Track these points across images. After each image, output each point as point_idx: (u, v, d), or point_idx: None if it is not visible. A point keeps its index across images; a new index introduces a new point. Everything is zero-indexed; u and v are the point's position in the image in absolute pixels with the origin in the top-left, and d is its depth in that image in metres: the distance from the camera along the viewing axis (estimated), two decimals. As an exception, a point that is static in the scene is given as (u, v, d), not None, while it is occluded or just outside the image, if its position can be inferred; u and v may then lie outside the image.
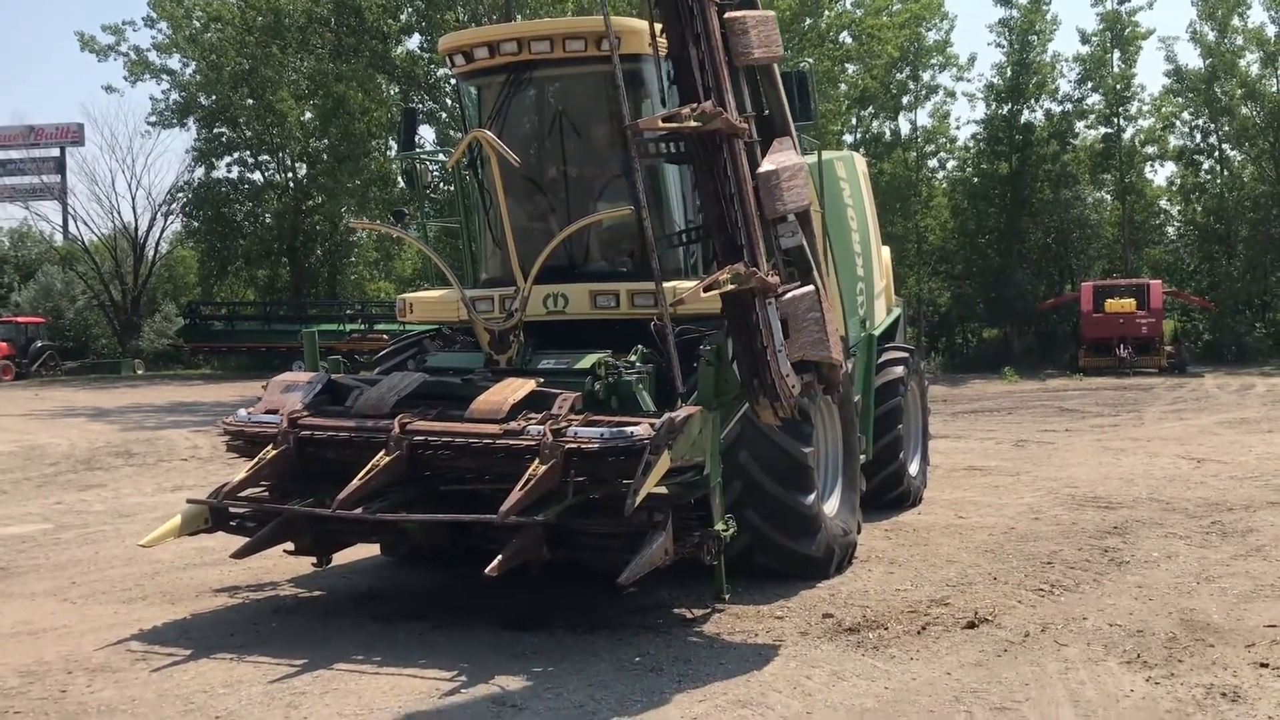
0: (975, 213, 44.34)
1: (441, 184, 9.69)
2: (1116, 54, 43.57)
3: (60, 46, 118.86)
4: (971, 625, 6.27)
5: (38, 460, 15.72)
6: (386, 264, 52.26)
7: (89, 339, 51.09)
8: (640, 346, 7.18)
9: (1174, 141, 45.46)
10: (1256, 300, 42.98)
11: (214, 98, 44.18)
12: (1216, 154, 44.96)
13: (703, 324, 7.15)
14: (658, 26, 7.70)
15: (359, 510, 6.14)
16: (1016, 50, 43.14)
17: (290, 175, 48.07)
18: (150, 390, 33.37)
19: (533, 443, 6.00)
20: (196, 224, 48.14)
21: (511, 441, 6.11)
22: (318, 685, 5.47)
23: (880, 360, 9.95)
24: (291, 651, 5.99)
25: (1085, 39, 43.97)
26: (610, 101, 8.04)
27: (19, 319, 44.63)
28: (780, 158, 5.97)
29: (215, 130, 45.89)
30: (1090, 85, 43.90)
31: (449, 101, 35.06)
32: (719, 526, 6.13)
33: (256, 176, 48.15)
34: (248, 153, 47.10)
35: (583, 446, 5.92)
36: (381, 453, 6.28)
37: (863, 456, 8.78)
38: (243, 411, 7.05)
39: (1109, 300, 34.79)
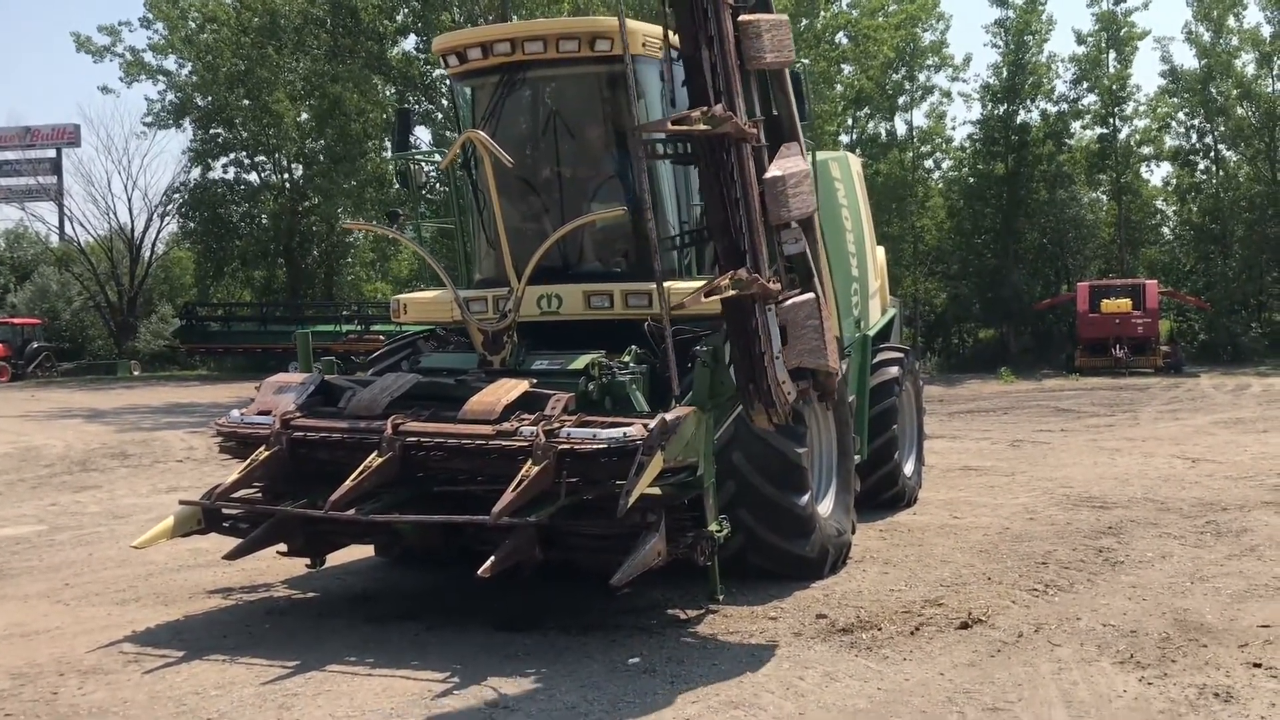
0: (971, 213, 44.39)
1: (437, 184, 9.70)
2: (1112, 54, 43.65)
3: (56, 47, 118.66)
4: (965, 625, 6.27)
5: (33, 461, 15.70)
6: (383, 265, 52.27)
7: (85, 340, 51.04)
8: (634, 347, 7.18)
9: (1170, 142, 45.63)
10: (1252, 300, 43.05)
11: (210, 99, 44.22)
12: (1212, 154, 45.05)
13: (697, 324, 7.15)
14: (652, 29, 7.75)
15: (351, 511, 6.13)
16: (1012, 51, 43.18)
17: (286, 176, 48.09)
18: (146, 391, 33.33)
19: (525, 444, 5.99)
20: (193, 225, 48.13)
21: (504, 442, 6.10)
22: (310, 687, 5.46)
23: (875, 360, 9.95)
24: (284, 653, 5.98)
25: (1081, 39, 44.06)
26: (605, 102, 8.05)
27: (15, 320, 44.57)
28: (787, 164, 5.94)
29: (211, 131, 45.89)
30: (1086, 86, 44.00)
31: (444, 102, 35.03)
32: (713, 527, 6.12)
33: (253, 177, 48.22)
34: (244, 154, 47.12)
35: (575, 447, 5.91)
36: (374, 454, 6.27)
37: (857, 457, 8.77)
38: (235, 413, 7.05)
39: (1105, 300, 34.82)
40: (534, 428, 6.05)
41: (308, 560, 7.06)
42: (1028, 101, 43.81)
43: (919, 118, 46.07)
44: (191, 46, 43.79)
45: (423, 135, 35.64)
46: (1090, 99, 44.21)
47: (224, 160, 47.17)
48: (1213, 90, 42.82)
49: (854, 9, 40.66)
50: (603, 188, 8.08)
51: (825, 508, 7.69)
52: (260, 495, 6.73)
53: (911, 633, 6.18)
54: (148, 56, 45.15)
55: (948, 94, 54.70)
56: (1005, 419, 20.19)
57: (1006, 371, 33.51)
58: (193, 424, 21.22)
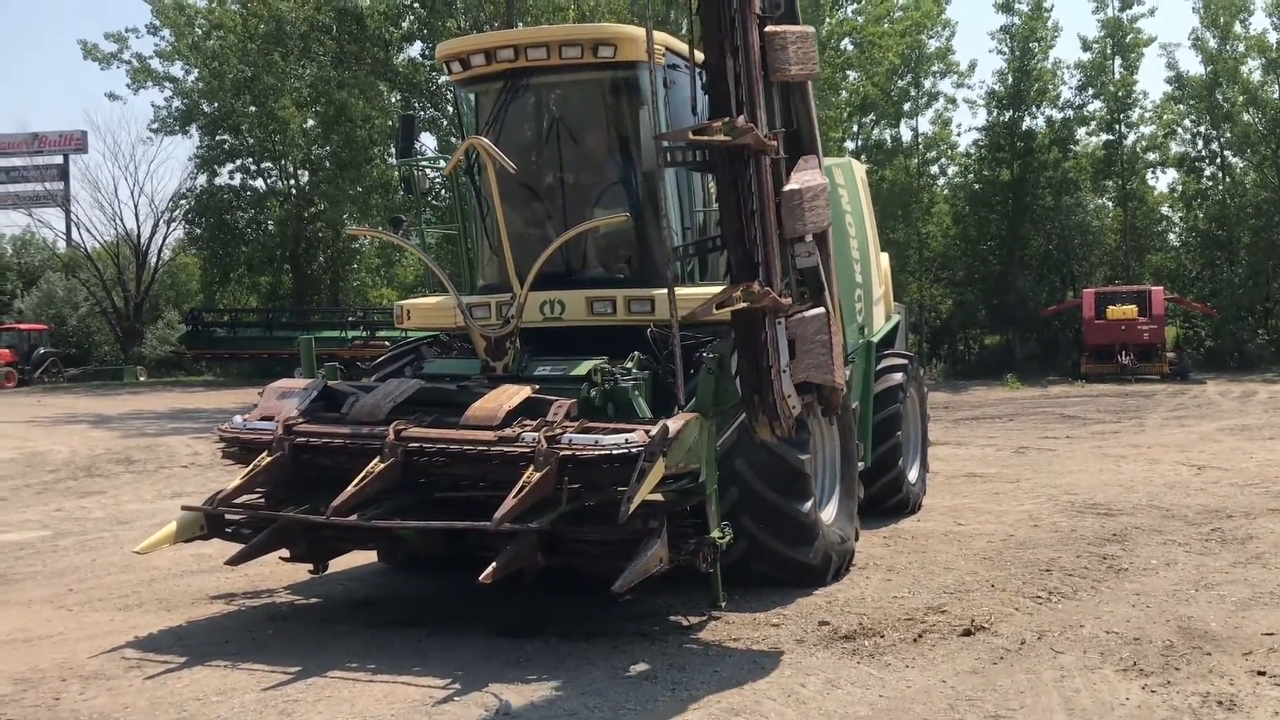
0: (977, 219, 44.35)
1: (441, 190, 9.71)
2: (1118, 60, 43.65)
3: (64, 54, 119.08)
4: (968, 633, 6.26)
5: (38, 467, 15.73)
6: (388, 271, 52.33)
7: (91, 346, 51.12)
8: (637, 353, 7.18)
9: (1175, 148, 45.49)
10: (1259, 307, 42.90)
11: (216, 105, 44.32)
12: (1218, 160, 44.97)
13: (701, 331, 7.14)
14: (655, 35, 7.75)
15: (354, 517, 6.14)
16: (1018, 57, 43.18)
17: (292, 182, 48.15)
18: (152, 397, 33.39)
19: (527, 449, 5.99)
20: (199, 231, 48.20)
21: (506, 448, 6.11)
22: (311, 693, 5.45)
23: (879, 367, 9.95)
24: (286, 659, 5.98)
25: (1087, 45, 44.07)
26: (608, 109, 8.06)
27: (22, 326, 44.65)
28: (805, 177, 5.91)
29: (218, 137, 45.98)
30: (1092, 92, 43.98)
31: (449, 108, 35.12)
32: (715, 534, 6.11)
33: (259, 183, 48.32)
34: (250, 160, 47.19)
35: (578, 453, 5.91)
36: (376, 459, 6.27)
37: (861, 463, 8.77)
38: (238, 418, 7.05)
39: (1111, 307, 34.74)
40: (536, 434, 6.05)
41: (310, 566, 7.07)
42: (1033, 108, 43.79)
43: (924, 124, 46.29)
44: (198, 53, 43.91)
45: (427, 141, 35.76)
46: (1096, 105, 44.26)
47: (230, 166, 47.33)
48: (1219, 96, 42.77)
49: (859, 15, 40.68)
50: (605, 194, 8.09)
51: (828, 514, 7.67)
52: (263, 501, 6.73)
53: (914, 640, 6.16)
54: (154, 63, 45.33)
55: (953, 100, 55.06)
56: (1010, 425, 20.14)
57: (1012, 378, 33.46)
58: (197, 429, 21.24)
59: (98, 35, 79.00)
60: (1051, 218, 42.99)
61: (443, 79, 36.34)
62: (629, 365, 7.09)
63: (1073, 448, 15.99)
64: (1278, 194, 42.02)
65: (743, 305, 5.54)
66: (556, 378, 7.11)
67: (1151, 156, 45.54)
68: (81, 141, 55.80)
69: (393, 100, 40.89)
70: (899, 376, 10.15)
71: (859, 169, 10.78)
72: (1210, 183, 45.39)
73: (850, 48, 39.80)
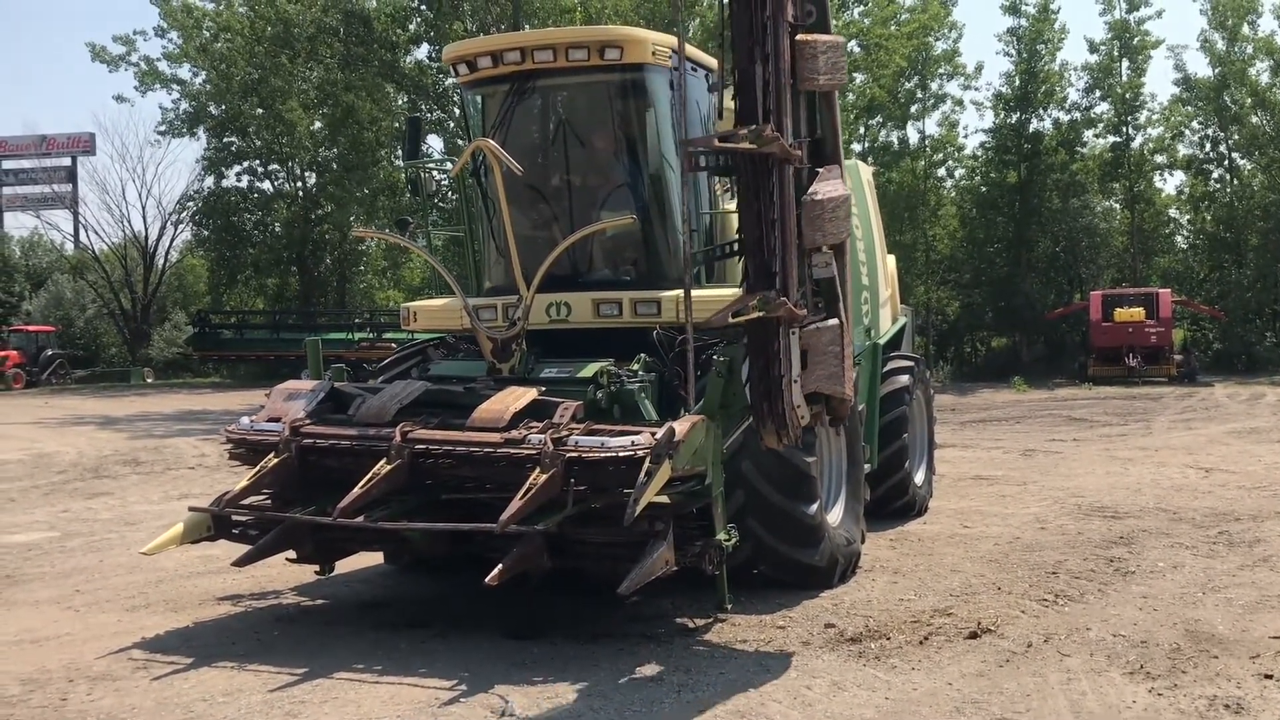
0: (984, 221, 44.31)
1: (448, 193, 9.72)
2: (1125, 63, 43.59)
3: (71, 57, 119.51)
4: (974, 635, 6.25)
5: (45, 468, 15.77)
6: (395, 272, 52.37)
7: (99, 348, 51.20)
8: (643, 355, 7.18)
9: (1183, 150, 45.39)
10: (1267, 309, 42.79)
11: (224, 107, 44.40)
12: (1226, 163, 44.87)
13: (708, 334, 7.13)
14: (662, 38, 7.77)
15: (360, 519, 6.14)
16: (1025, 59, 43.14)
17: (299, 184, 48.23)
18: (159, 398, 33.46)
19: (533, 451, 5.99)
20: (206, 233, 48.28)
21: (512, 450, 6.11)
22: (318, 694, 5.46)
23: (885, 369, 9.93)
24: (293, 660, 5.99)
25: (1094, 48, 44.08)
26: (614, 111, 8.06)
27: (30, 328, 44.75)
28: (827, 188, 5.86)
29: (225, 140, 46.06)
30: (1099, 94, 43.94)
31: (457, 111, 35.16)
32: (721, 536, 6.11)
33: (266, 186, 48.36)
34: (257, 162, 47.26)
35: (584, 455, 5.91)
36: (383, 461, 6.28)
37: (867, 466, 8.77)
38: (245, 419, 7.06)
39: (1118, 309, 34.70)
40: (542, 436, 6.06)
41: (316, 567, 7.07)
42: (1040, 110, 43.76)
43: (931, 126, 46.12)
44: (206, 55, 43.99)
45: (434, 143, 35.79)
46: (1103, 107, 44.22)
47: (237, 169, 47.37)
48: (1227, 98, 42.63)
49: (866, 18, 40.66)
50: (612, 196, 8.10)
51: (834, 517, 7.66)
52: (269, 502, 6.74)
53: (920, 642, 6.16)
54: (162, 65, 45.42)
55: (960, 102, 54.56)
56: (1017, 428, 20.11)
57: (1019, 380, 33.41)
58: (204, 431, 21.28)
59: (106, 38, 79.15)
60: (1059, 220, 42.92)
61: (449, 81, 36.41)
62: (635, 367, 7.09)
63: (1080, 450, 15.96)
64: (1285, 196, 41.92)
65: (758, 314, 5.52)
66: (563, 380, 7.12)
67: (1159, 159, 45.51)
68: (89, 144, 55.99)
69: (400, 102, 40.93)
70: (905, 379, 10.14)
71: (865, 171, 10.78)
72: (1218, 185, 45.28)
73: (857, 50, 39.74)
